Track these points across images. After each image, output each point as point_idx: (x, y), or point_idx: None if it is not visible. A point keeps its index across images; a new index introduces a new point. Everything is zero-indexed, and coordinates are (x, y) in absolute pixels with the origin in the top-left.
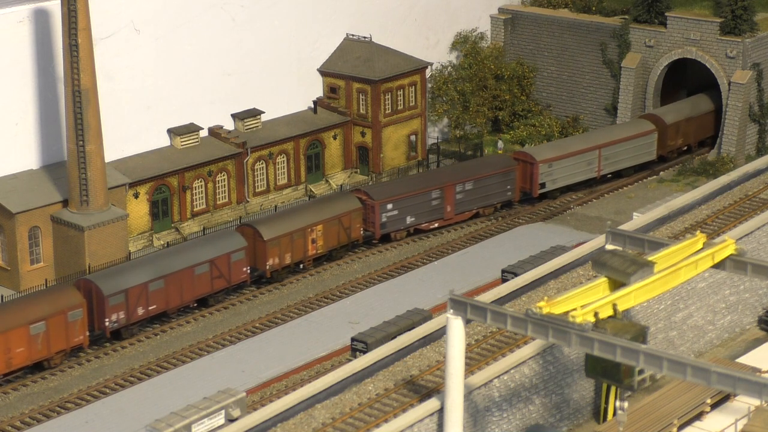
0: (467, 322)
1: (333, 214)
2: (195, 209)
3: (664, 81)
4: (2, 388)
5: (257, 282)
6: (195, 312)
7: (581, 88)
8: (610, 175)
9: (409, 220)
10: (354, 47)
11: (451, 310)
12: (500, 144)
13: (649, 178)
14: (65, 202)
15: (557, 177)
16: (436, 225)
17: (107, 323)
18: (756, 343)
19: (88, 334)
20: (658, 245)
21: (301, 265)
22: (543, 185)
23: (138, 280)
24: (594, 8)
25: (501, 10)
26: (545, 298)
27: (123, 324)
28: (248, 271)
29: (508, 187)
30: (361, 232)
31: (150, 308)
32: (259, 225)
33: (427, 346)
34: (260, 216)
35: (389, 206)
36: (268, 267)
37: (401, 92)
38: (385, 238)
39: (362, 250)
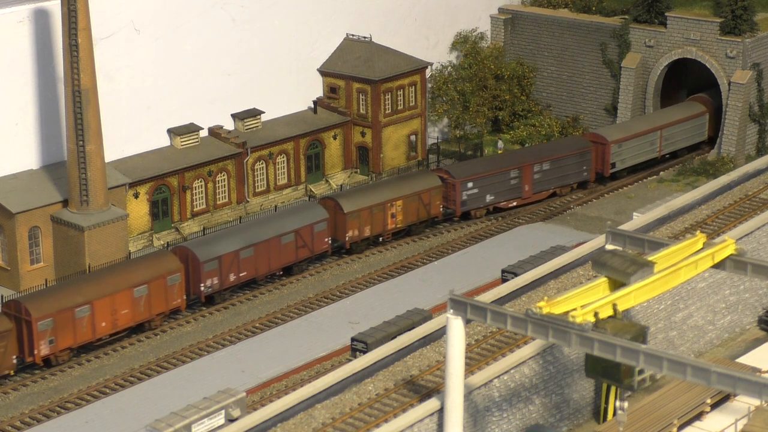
0: (467, 322)
1: (413, 190)
2: (195, 209)
3: (664, 81)
4: (2, 388)
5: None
6: (195, 312)
7: (581, 88)
8: (668, 155)
9: (488, 198)
10: (354, 47)
11: (451, 310)
12: (500, 144)
13: (649, 178)
14: (65, 202)
15: (625, 157)
16: (515, 204)
17: (202, 288)
18: (756, 343)
19: (185, 297)
20: (658, 245)
21: (381, 238)
22: (614, 165)
23: (230, 248)
24: (594, 8)
25: (501, 10)
26: (545, 298)
27: (216, 289)
28: (330, 241)
29: (584, 167)
30: (441, 209)
31: (241, 275)
32: (341, 198)
33: (427, 346)
34: (343, 190)
35: (470, 185)
36: (347, 238)
37: (401, 92)
38: (465, 216)
39: (363, 249)
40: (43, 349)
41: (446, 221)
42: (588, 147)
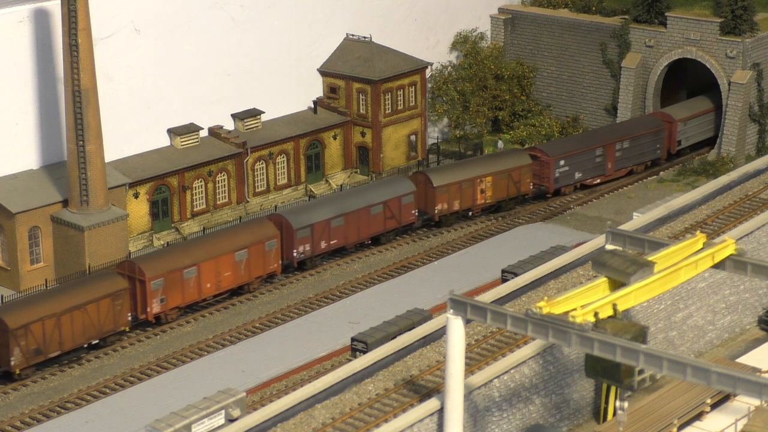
0: (467, 322)
1: (503, 167)
2: (195, 209)
3: (664, 81)
4: (2, 388)
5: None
6: (195, 312)
7: (581, 88)
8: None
9: (577, 175)
10: (354, 47)
11: (451, 310)
12: (500, 144)
13: (649, 178)
14: (65, 202)
15: (689, 135)
16: (598, 181)
17: (295, 254)
18: (756, 343)
19: (280, 262)
20: (658, 245)
21: (470, 213)
22: (679, 143)
23: (322, 217)
24: (594, 8)
25: (501, 10)
26: (545, 298)
27: (308, 255)
28: (416, 213)
29: (658, 145)
30: (531, 186)
31: (331, 242)
32: (431, 173)
33: (427, 346)
34: (433, 166)
35: (562, 162)
36: (436, 211)
37: (401, 92)
38: (556, 192)
39: (362, 250)
40: (155, 307)
41: (448, 222)
42: (662, 126)
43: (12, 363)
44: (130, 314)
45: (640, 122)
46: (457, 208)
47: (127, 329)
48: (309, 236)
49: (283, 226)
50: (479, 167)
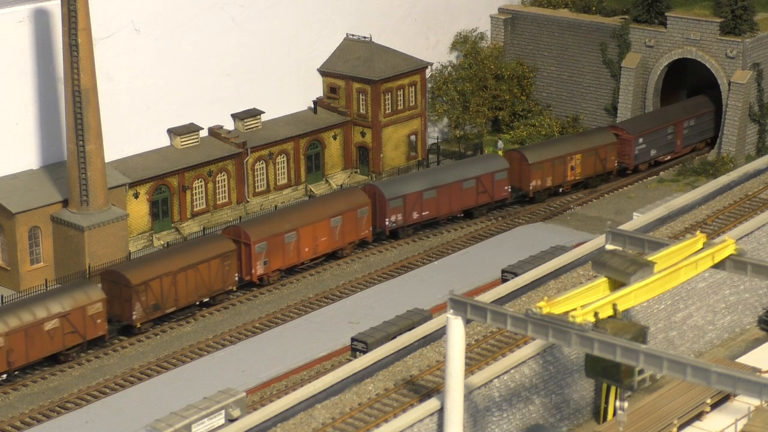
0: (467, 322)
1: (591, 145)
2: (195, 209)
3: (664, 81)
4: (2, 387)
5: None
6: (195, 312)
7: (581, 88)
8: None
9: (652, 152)
10: (354, 47)
11: (451, 310)
12: (500, 144)
13: (649, 178)
14: (65, 202)
15: None
16: (669, 158)
17: (387, 223)
18: (756, 343)
19: (371, 229)
20: (658, 245)
21: (561, 189)
22: None
23: (414, 188)
24: (594, 8)
25: (501, 10)
26: (545, 298)
27: (399, 225)
28: (509, 189)
29: (714, 125)
30: (616, 164)
31: (423, 213)
32: (526, 150)
33: (427, 346)
34: (528, 144)
35: (641, 140)
36: (531, 187)
37: (401, 92)
38: (635, 169)
39: (362, 250)
40: (259, 269)
41: (452, 221)
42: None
43: (134, 317)
44: (236, 275)
45: (698, 102)
46: (549, 185)
47: (234, 288)
48: (401, 206)
49: (377, 195)
50: (570, 145)
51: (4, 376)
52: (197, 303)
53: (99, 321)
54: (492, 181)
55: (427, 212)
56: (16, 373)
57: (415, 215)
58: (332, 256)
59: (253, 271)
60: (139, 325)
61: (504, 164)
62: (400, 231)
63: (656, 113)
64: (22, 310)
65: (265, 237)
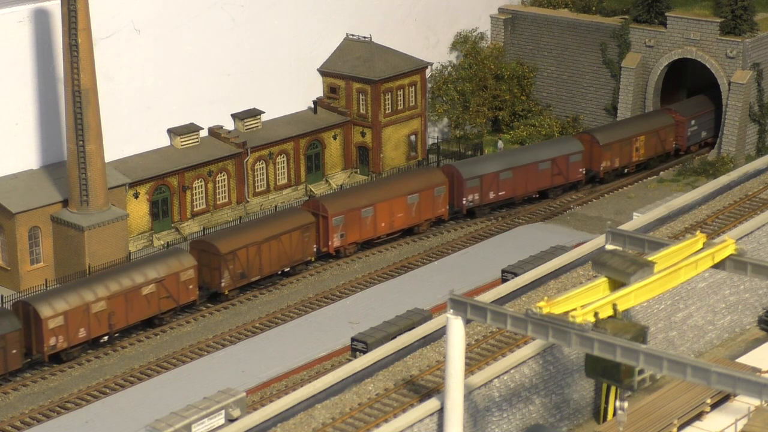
0: (467, 322)
1: (652, 127)
2: (195, 209)
3: (664, 81)
4: (2, 387)
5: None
6: (195, 312)
7: (581, 88)
8: None
9: (702, 134)
10: (354, 47)
11: (451, 310)
12: (500, 144)
13: (649, 178)
14: (65, 202)
15: None
16: (710, 140)
17: (464, 202)
18: (756, 343)
19: (447, 208)
20: (658, 245)
21: (626, 170)
22: None
23: (491, 169)
24: (594, 8)
25: (501, 10)
26: (545, 298)
27: (476, 204)
28: (583, 172)
29: None
30: (673, 145)
31: (500, 193)
32: (596, 132)
33: (427, 346)
34: (597, 126)
35: (693, 122)
36: (602, 168)
37: (401, 92)
38: (687, 150)
39: (362, 250)
40: (336, 241)
41: (451, 220)
42: None
43: (222, 284)
44: (315, 246)
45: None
46: (616, 166)
47: (313, 259)
48: (478, 186)
49: (454, 175)
50: (634, 127)
51: (106, 338)
52: (279, 272)
53: (191, 287)
54: (567, 163)
55: (504, 192)
56: (116, 335)
57: (492, 195)
58: (409, 232)
59: (330, 243)
60: (227, 292)
61: (579, 147)
62: (476, 210)
63: (700, 98)
64: (121, 275)
65: (343, 211)
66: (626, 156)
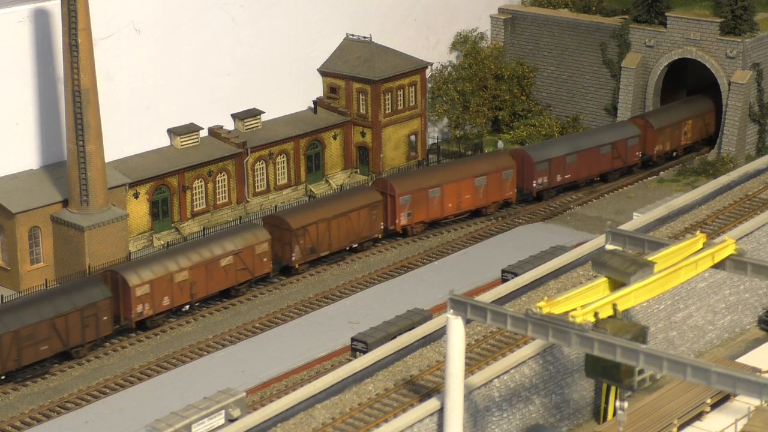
0: (467, 322)
1: (698, 112)
2: (195, 209)
3: (664, 81)
4: (2, 387)
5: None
6: (195, 312)
7: (581, 88)
8: None
9: None
10: (354, 47)
11: (451, 310)
12: (500, 144)
13: (649, 178)
14: (65, 202)
15: None
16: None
17: (534, 185)
18: (756, 343)
19: (515, 191)
20: (658, 245)
21: (674, 153)
22: None
23: (559, 153)
24: (594, 8)
25: (501, 10)
26: (545, 298)
27: (545, 187)
28: (640, 155)
29: None
30: (713, 129)
31: (565, 176)
32: (649, 117)
33: (427, 346)
34: (649, 111)
35: None
36: (655, 152)
37: (401, 92)
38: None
39: (362, 250)
40: (403, 220)
41: (454, 221)
42: None
43: (293, 258)
44: (382, 224)
45: None
46: (667, 149)
47: (380, 236)
48: (547, 169)
49: (524, 159)
50: (682, 111)
51: (187, 306)
52: (347, 248)
53: (265, 260)
54: (625, 146)
55: (569, 175)
56: (197, 304)
57: (559, 178)
58: (476, 213)
59: (397, 221)
60: (297, 266)
61: (635, 131)
62: (544, 193)
63: None
64: (201, 247)
65: (410, 190)
66: (676, 140)
